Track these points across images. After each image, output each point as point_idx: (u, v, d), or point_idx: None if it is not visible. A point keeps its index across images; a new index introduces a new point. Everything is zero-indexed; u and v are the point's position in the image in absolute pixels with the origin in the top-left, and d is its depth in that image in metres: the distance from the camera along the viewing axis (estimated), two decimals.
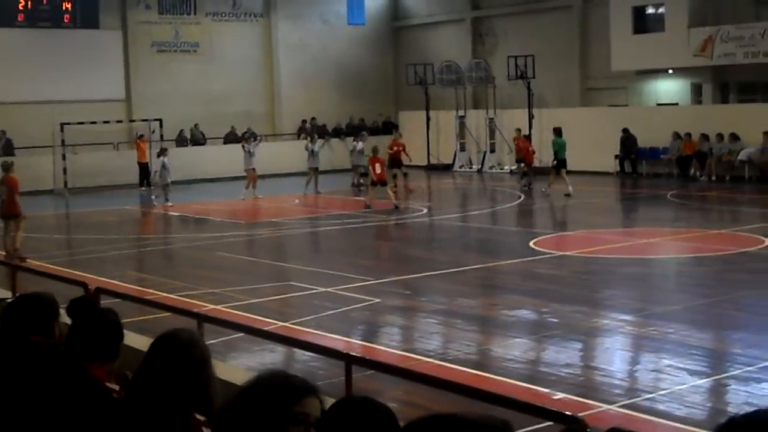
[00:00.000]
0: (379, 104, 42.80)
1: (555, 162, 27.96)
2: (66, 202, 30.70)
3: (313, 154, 31.36)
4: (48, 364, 2.82)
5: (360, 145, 32.35)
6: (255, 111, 40.23)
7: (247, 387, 2.74)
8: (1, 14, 35.34)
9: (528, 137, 32.14)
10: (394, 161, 29.66)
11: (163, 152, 29.02)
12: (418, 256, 19.10)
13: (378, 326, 13.28)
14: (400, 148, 30.36)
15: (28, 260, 18.04)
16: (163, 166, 28.45)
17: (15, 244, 18.91)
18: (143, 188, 32.79)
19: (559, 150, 28.01)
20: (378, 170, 26.33)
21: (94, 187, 33.09)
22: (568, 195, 26.76)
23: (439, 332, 12.77)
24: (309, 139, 33.06)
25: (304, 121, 40.43)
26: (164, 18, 38.80)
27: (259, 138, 32.58)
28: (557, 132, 28.32)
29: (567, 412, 5.44)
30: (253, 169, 29.56)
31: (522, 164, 31.02)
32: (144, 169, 33.22)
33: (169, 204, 27.96)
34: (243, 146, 30.20)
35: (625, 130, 32.83)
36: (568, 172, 27.74)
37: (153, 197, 29.28)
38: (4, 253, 18.74)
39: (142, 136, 33.59)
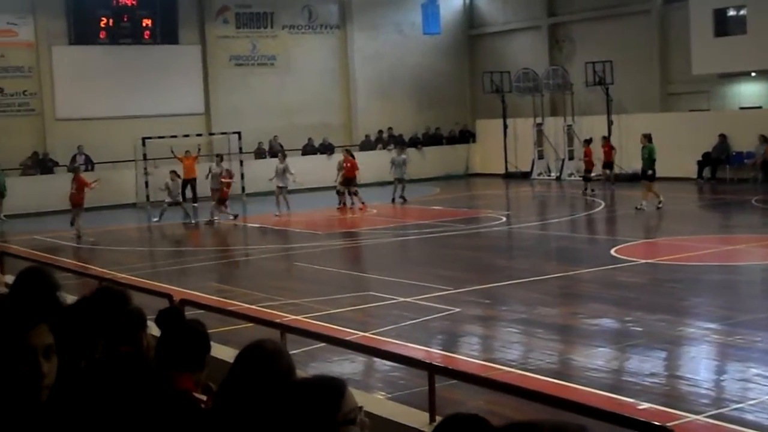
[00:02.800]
0: (455, 113, 42.74)
1: (651, 172, 26.25)
2: (148, 216, 31.21)
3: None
4: (137, 374, 2.84)
5: (403, 157, 32.19)
6: (332, 122, 40.48)
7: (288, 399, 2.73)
8: (83, 32, 36.13)
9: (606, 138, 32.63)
10: (348, 179, 30.01)
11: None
12: (498, 264, 18.99)
13: (458, 336, 13.21)
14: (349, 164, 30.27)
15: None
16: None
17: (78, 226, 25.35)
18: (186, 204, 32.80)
19: (651, 157, 26.35)
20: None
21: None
22: (640, 208, 25.45)
23: (520, 341, 12.67)
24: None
25: (370, 135, 40.50)
26: (242, 32, 39.28)
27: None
28: (649, 138, 26.74)
29: (656, 422, 5.34)
30: (217, 190, 28.59)
31: (607, 170, 31.47)
32: (191, 184, 33.03)
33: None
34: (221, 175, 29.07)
35: (722, 135, 32.31)
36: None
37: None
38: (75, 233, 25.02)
39: (188, 152, 33.29)
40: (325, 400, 2.70)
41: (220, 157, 30.39)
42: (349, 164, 30.27)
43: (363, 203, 29.75)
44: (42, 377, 2.61)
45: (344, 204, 30.15)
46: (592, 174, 32.36)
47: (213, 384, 4.30)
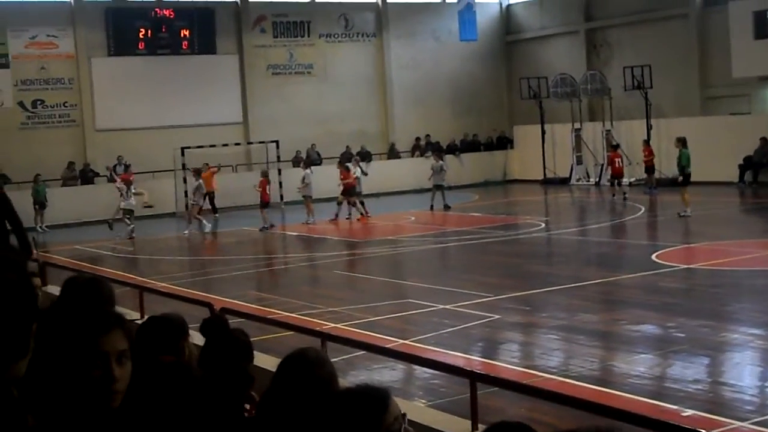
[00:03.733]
0: (493, 119, 42.65)
1: (681, 177, 25.64)
2: (187, 224, 31.37)
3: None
4: (180, 383, 2.84)
5: (441, 163, 31.96)
6: (369, 130, 40.53)
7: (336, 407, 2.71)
8: (122, 43, 36.50)
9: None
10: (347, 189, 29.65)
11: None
12: (537, 271, 18.88)
13: (498, 343, 13.14)
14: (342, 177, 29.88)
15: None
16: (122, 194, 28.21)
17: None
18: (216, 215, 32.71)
19: (687, 163, 25.71)
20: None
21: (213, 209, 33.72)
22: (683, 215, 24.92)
23: (561, 348, 12.57)
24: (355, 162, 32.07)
25: (396, 144, 40.51)
26: (279, 41, 39.46)
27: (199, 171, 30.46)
28: (684, 142, 26.09)
29: (701, 430, 5.27)
30: (193, 204, 28.95)
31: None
32: (209, 197, 32.83)
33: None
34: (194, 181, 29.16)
35: (764, 139, 32.00)
36: (691, 183, 26.49)
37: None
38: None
39: (207, 165, 32.50)
40: (368, 410, 2.68)
41: (195, 171, 30.04)
42: (342, 176, 29.88)
43: (362, 214, 29.49)
44: (113, 382, 2.63)
45: (336, 216, 29.50)
46: (628, 179, 32.23)
47: (255, 393, 4.30)
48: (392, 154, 40.16)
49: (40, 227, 31.01)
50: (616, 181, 31.19)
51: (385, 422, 2.69)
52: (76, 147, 35.72)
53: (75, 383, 2.60)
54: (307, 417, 3.30)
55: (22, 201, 29.62)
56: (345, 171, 30.12)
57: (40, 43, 35.37)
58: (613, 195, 30.83)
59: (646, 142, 32.83)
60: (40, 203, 31.61)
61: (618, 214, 28.22)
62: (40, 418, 2.59)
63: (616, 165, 31.35)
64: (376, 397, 2.75)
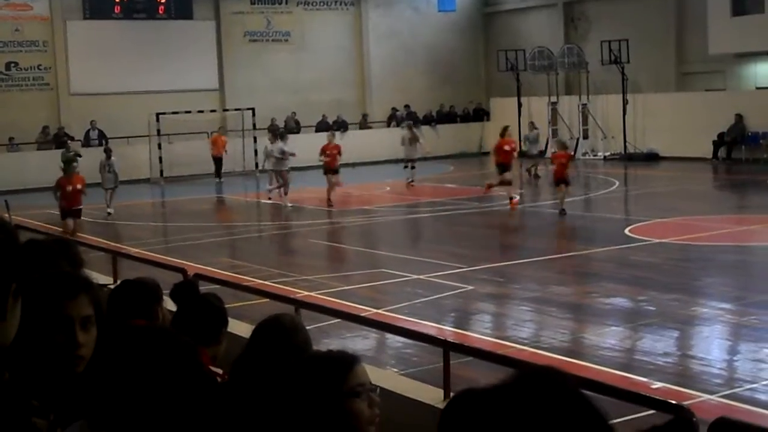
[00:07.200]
0: (469, 91, 42.58)
1: None
2: (162, 191, 31.25)
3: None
4: (154, 346, 2.83)
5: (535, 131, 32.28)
6: (346, 99, 40.39)
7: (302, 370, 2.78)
8: (98, 7, 36.13)
9: None
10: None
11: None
12: (511, 243, 18.98)
13: (471, 313, 13.22)
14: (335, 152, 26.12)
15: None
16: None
17: None
18: (219, 180, 32.76)
19: None
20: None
21: (189, 175, 33.62)
22: None
23: (533, 320, 12.67)
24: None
25: (369, 115, 40.43)
26: (256, 8, 39.19)
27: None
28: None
29: (672, 401, 5.33)
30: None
31: None
32: (219, 162, 33.09)
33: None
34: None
35: (738, 115, 32.09)
36: (665, 158, 26.73)
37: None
38: None
39: (221, 128, 33.08)
40: (332, 371, 2.73)
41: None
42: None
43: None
44: (77, 347, 2.62)
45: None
46: (603, 153, 32.14)
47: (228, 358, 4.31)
48: (364, 124, 39.92)
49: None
50: None
51: (347, 383, 2.72)
52: (51, 111, 35.40)
53: (38, 346, 2.58)
54: (280, 382, 3.32)
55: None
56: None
57: (15, 5, 34.94)
58: None
59: None
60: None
61: (592, 188, 28.33)
62: (15, 375, 2.58)
63: None
64: (342, 360, 2.79)
